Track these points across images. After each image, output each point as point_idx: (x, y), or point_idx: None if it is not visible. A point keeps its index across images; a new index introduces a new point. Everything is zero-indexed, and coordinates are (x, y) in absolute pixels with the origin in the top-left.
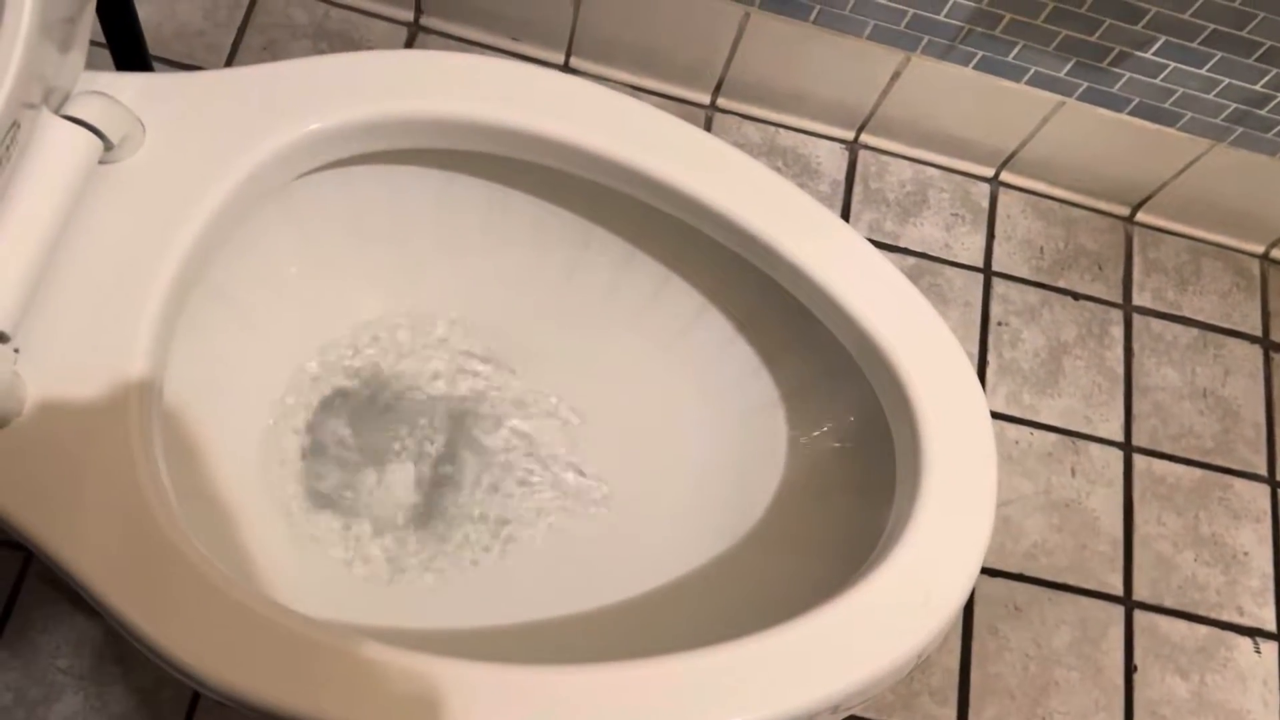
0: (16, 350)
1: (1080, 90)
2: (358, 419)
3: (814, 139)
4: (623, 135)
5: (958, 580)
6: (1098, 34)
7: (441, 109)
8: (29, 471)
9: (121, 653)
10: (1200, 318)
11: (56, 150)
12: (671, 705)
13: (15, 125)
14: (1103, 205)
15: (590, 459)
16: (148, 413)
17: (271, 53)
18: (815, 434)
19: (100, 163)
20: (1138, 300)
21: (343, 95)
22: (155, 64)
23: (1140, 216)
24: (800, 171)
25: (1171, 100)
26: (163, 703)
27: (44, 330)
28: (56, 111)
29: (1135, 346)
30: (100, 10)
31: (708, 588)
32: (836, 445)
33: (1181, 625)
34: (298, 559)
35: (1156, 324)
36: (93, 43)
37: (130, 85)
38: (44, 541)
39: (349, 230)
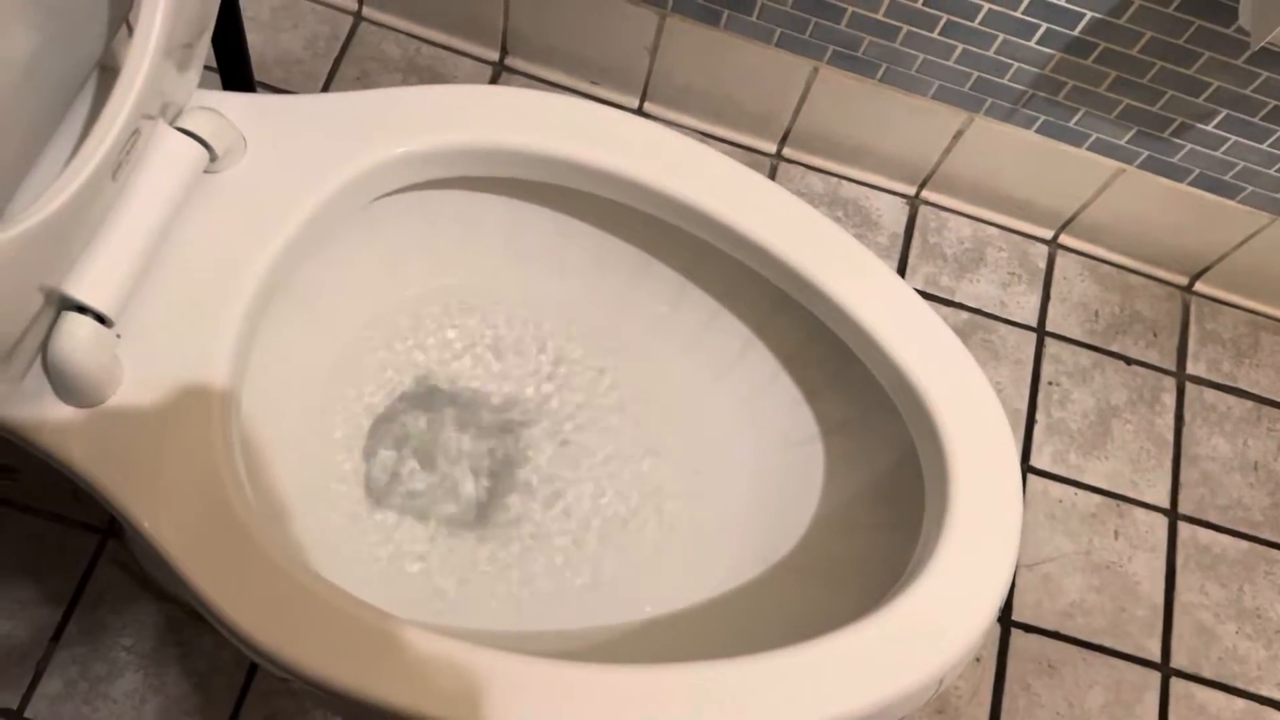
0: (118, 335)
1: (1141, 159)
2: (419, 423)
3: (875, 192)
4: (682, 174)
5: (976, 617)
6: (1159, 104)
7: (517, 141)
8: (120, 446)
9: (181, 637)
10: (1255, 390)
11: (168, 158)
12: (686, 710)
13: (136, 133)
14: (1160, 273)
15: (636, 477)
16: (229, 404)
17: (364, 83)
18: (851, 469)
19: (205, 172)
20: (1192, 369)
21: (428, 124)
22: (257, 88)
23: (1198, 286)
24: (860, 223)
25: (1232, 173)
26: (217, 688)
27: (143, 318)
28: (171, 123)
29: (1186, 415)
30: (215, 38)
31: (737, 612)
32: (871, 481)
33: (1219, 697)
34: (352, 552)
35: (1210, 394)
36: (205, 67)
37: (236, 103)
38: (128, 511)
39: (423, 248)
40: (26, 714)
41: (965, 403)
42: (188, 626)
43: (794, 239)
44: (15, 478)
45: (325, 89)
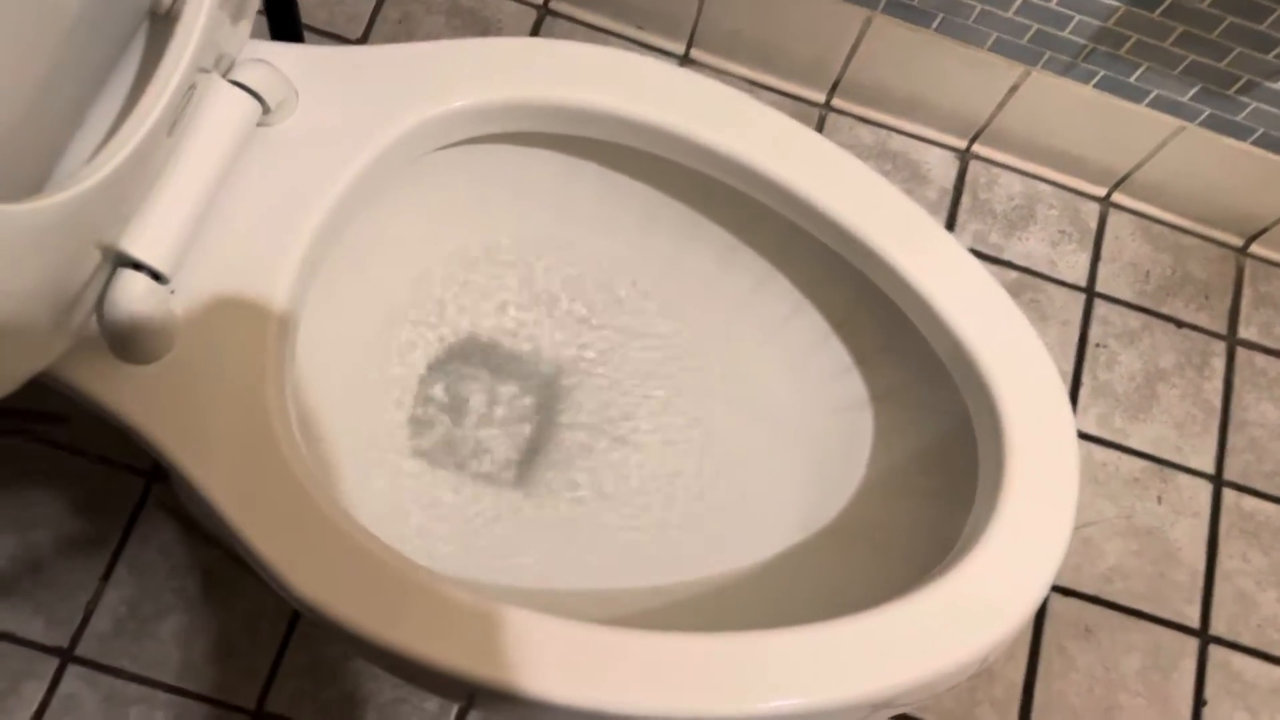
0: (173, 291)
1: (1203, 116)
2: (466, 379)
3: (925, 145)
4: (735, 131)
5: (1028, 593)
6: (1226, 61)
7: (567, 97)
8: (173, 401)
9: (227, 580)
10: None
11: (223, 111)
12: (729, 678)
13: (193, 86)
14: (1215, 234)
15: (680, 438)
16: (282, 359)
17: (406, 25)
18: (900, 435)
19: (258, 125)
20: (1243, 333)
21: (478, 78)
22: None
23: (1254, 249)
24: (909, 177)
25: None
26: (261, 631)
27: (197, 274)
28: (224, 76)
29: (1236, 380)
30: None
31: (781, 576)
32: (919, 448)
33: (1256, 664)
34: (399, 508)
35: (1260, 359)
36: None
37: (288, 55)
38: (182, 465)
39: (471, 204)
40: (77, 651)
41: (1023, 373)
42: (233, 570)
43: (848, 199)
44: (67, 426)
45: (367, 30)
